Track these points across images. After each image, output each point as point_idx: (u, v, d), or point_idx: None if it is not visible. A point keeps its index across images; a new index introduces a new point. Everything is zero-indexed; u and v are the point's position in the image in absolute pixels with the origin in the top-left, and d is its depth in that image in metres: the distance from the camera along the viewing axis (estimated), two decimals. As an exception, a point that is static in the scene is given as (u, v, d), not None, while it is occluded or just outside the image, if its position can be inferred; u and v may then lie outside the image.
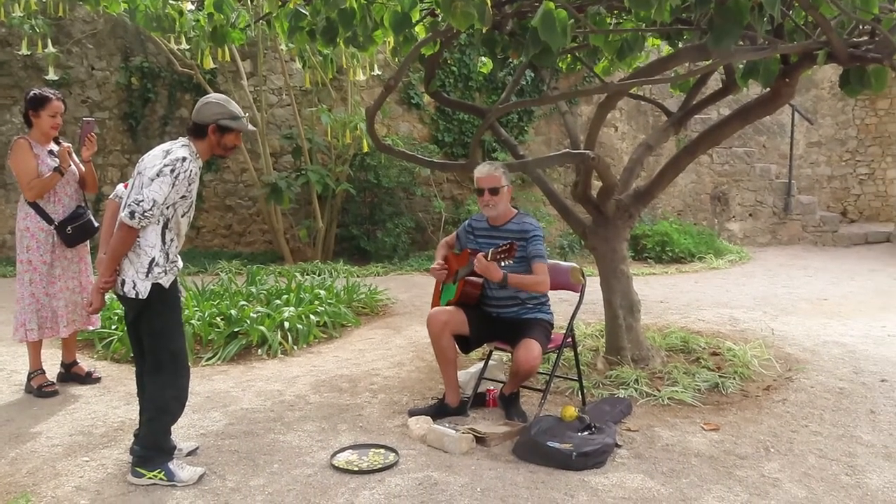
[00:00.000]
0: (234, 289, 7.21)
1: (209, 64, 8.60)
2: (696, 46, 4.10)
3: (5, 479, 3.67)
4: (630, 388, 4.88)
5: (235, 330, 5.99)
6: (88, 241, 5.07)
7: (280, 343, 5.96)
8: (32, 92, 4.88)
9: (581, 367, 5.17)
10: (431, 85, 5.70)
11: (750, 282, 9.07)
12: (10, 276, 8.72)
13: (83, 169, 5.05)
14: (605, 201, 5.26)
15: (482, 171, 4.43)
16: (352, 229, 10.74)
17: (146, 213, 3.31)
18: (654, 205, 11.63)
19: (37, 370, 4.97)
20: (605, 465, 3.81)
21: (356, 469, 3.72)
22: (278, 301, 6.64)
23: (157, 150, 3.47)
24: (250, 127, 3.59)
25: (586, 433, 4.02)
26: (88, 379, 5.17)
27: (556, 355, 4.58)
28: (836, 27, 3.96)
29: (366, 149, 9.52)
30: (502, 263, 4.09)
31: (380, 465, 3.75)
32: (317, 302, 6.77)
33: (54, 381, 5.06)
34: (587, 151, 4.82)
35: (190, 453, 3.87)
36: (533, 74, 10.62)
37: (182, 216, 3.50)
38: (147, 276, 3.40)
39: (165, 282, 3.44)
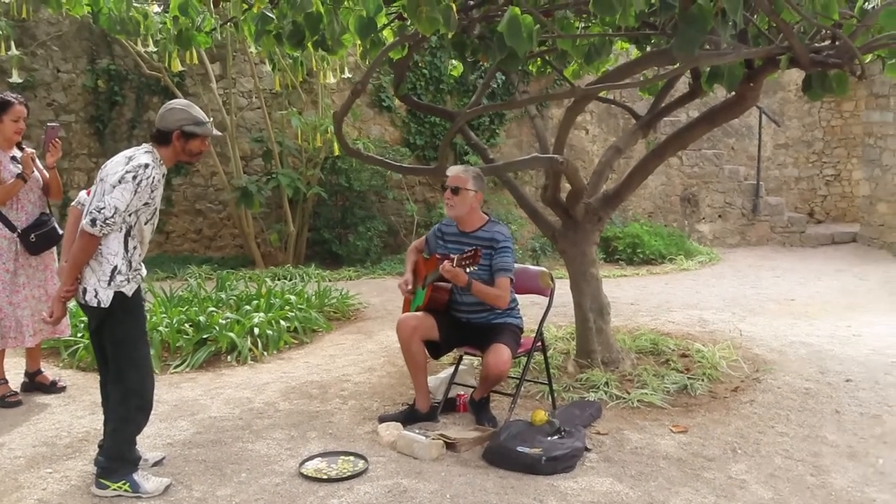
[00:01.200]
0: (204, 294, 7.14)
1: (177, 67, 8.49)
2: (660, 51, 4.13)
3: (-34, 492, 3.61)
4: (600, 391, 4.90)
5: (204, 336, 5.93)
6: (54, 249, 5.00)
7: (250, 349, 5.91)
8: (-6, 96, 4.80)
9: (552, 371, 5.19)
10: (401, 88, 5.68)
11: (719, 283, 9.14)
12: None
13: (47, 175, 4.98)
14: (574, 205, 5.27)
15: (454, 170, 4.46)
16: (323, 233, 10.67)
17: (108, 221, 3.27)
18: (624, 207, 11.68)
19: (-1, 380, 4.90)
20: (575, 469, 3.82)
21: (325, 477, 3.70)
22: (248, 307, 6.58)
23: (120, 157, 3.42)
24: (215, 132, 3.56)
25: (556, 437, 4.03)
26: (53, 388, 5.09)
27: (525, 359, 4.59)
28: (799, 33, 4.00)
29: (337, 152, 9.45)
30: (468, 269, 4.09)
31: (349, 473, 3.73)
32: (287, 307, 6.72)
33: (18, 390, 4.98)
34: (556, 156, 4.83)
35: (156, 463, 3.82)
36: (504, 77, 10.64)
37: (145, 223, 3.45)
38: (109, 284, 3.35)
39: (128, 290, 3.40)
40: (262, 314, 6.34)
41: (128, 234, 3.39)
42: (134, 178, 3.29)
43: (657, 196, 11.84)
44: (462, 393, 4.66)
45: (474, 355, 4.56)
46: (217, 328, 5.95)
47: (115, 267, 3.35)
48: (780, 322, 7.01)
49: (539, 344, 4.58)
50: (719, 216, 11.93)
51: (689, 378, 5.14)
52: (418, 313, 4.39)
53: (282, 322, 6.33)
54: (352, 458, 3.91)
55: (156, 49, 9.47)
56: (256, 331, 6.08)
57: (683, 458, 3.96)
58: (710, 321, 6.99)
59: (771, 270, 9.96)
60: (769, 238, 11.89)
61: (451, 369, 4.83)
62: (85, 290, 3.38)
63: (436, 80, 11.05)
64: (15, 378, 5.12)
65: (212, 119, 3.61)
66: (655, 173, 11.66)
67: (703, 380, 5.13)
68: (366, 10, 3.61)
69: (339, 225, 10.77)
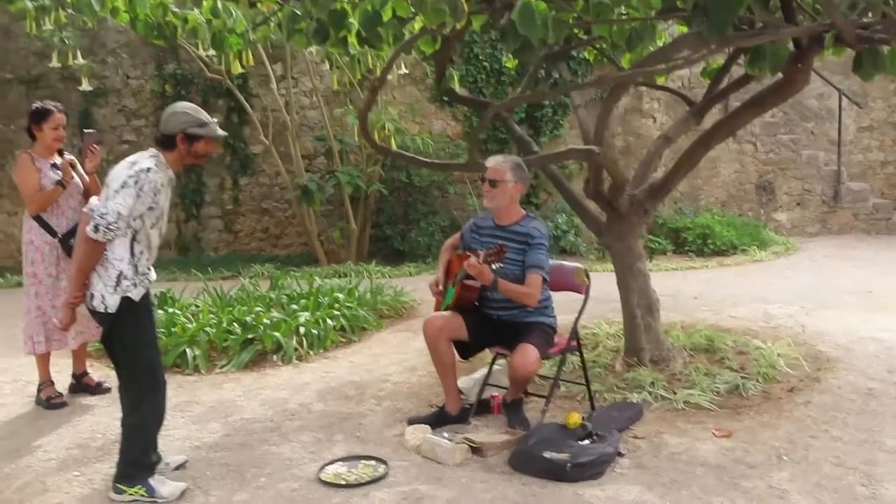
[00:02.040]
0: (258, 294, 7.18)
1: (237, 69, 8.59)
2: (693, 34, 3.89)
3: (-6, 495, 3.67)
4: (645, 392, 4.68)
5: (250, 336, 5.95)
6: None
7: (295, 349, 5.89)
8: (35, 105, 4.90)
9: (597, 370, 5.06)
10: (444, 82, 5.56)
11: (793, 274, 8.71)
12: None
13: (87, 180, 5.05)
14: (618, 197, 5.05)
15: (493, 161, 4.32)
16: (385, 230, 10.67)
17: (110, 227, 3.25)
18: (696, 196, 11.29)
19: (45, 382, 5.00)
20: (604, 475, 3.64)
21: (343, 483, 3.62)
22: (295, 306, 6.58)
23: (125, 161, 3.41)
24: (220, 132, 3.51)
25: (587, 442, 3.85)
26: (99, 389, 5.17)
27: (561, 359, 4.41)
28: (846, 8, 3.71)
29: (394, 146, 9.40)
30: (493, 266, 3.95)
31: (368, 479, 3.64)
32: (337, 305, 6.69)
33: (63, 392, 5.07)
34: (592, 147, 4.63)
35: (178, 467, 3.81)
36: (567, 67, 10.39)
37: (151, 228, 3.42)
38: (115, 289, 3.34)
39: (135, 295, 3.38)
40: (307, 313, 6.32)
41: (133, 239, 3.37)
42: (136, 182, 3.27)
43: (731, 184, 11.39)
44: (496, 394, 4.52)
45: (504, 355, 4.41)
46: (262, 328, 5.96)
47: (121, 272, 3.34)
48: (853, 316, 6.60)
49: (574, 343, 4.39)
50: (798, 204, 11.40)
51: (742, 377, 4.85)
52: (445, 312, 4.27)
53: (328, 321, 6.29)
54: (373, 462, 3.82)
55: (215, 52, 9.61)
56: (302, 330, 6.06)
57: (723, 465, 3.72)
58: (776, 316, 6.63)
59: (851, 260, 9.44)
60: (852, 226, 11.31)
61: (486, 370, 4.68)
62: (92, 296, 3.38)
63: (497, 73, 10.88)
64: (66, 380, 5.22)
65: (217, 120, 3.56)
66: (728, 161, 11.29)
67: (757, 379, 4.84)
68: (371, 4, 3.50)
69: (402, 221, 10.74)
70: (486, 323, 4.30)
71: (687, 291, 7.83)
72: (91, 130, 5.11)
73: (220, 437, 4.28)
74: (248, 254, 11.24)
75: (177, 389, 5.22)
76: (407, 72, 9.73)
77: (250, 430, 4.39)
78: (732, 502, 3.36)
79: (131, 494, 3.46)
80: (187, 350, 5.74)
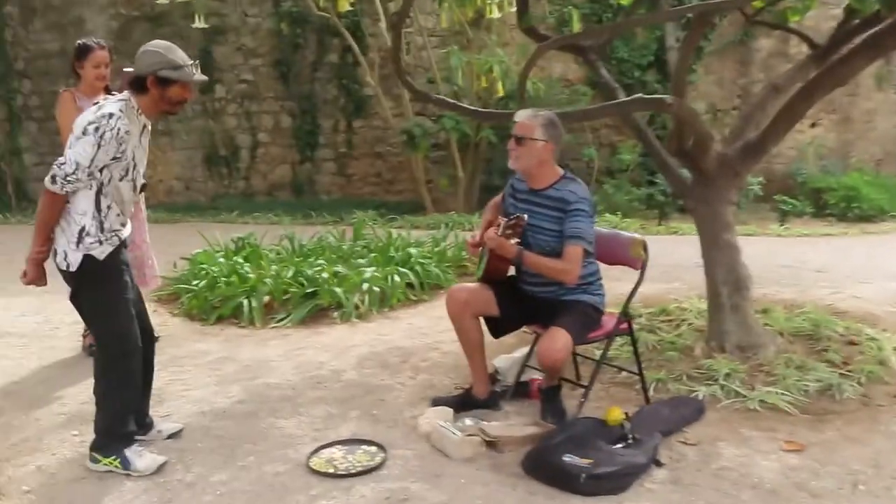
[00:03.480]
0: (337, 244, 6.90)
1: (344, 7, 8.25)
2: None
3: (-12, 448, 3.56)
4: (716, 385, 4.02)
5: (312, 290, 5.67)
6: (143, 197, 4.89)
7: (356, 306, 5.57)
8: (77, 42, 4.71)
9: (671, 353, 4.52)
10: (524, 19, 4.99)
11: (951, 247, 7.55)
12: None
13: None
14: (702, 156, 4.34)
15: (521, 115, 3.75)
16: (495, 179, 10.14)
17: (68, 178, 2.95)
18: (846, 152, 10.05)
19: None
20: (628, 490, 3.08)
21: (331, 471, 3.25)
22: (362, 260, 6.23)
23: (94, 106, 3.10)
24: (199, 77, 3.12)
25: (619, 446, 3.30)
26: (147, 339, 5.04)
27: (607, 344, 3.83)
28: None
29: (500, 93, 8.83)
30: (512, 241, 3.42)
31: (360, 468, 3.26)
32: (412, 260, 6.29)
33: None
34: (664, 97, 3.94)
35: (172, 436, 3.58)
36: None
37: (120, 181, 3.09)
38: (78, 246, 3.05)
39: (99, 253, 3.07)
40: (373, 268, 5.96)
41: (99, 192, 3.06)
42: (97, 129, 2.94)
43: (889, 140, 10.05)
44: (537, 377, 3.99)
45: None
46: (321, 282, 5.67)
47: (83, 228, 3.04)
48: None
49: (624, 326, 3.79)
50: (973, 165, 9.94)
51: (841, 375, 4.09)
52: (472, 285, 3.78)
53: (395, 277, 5.91)
54: (373, 449, 3.43)
55: (324, -14, 9.29)
56: (366, 286, 5.72)
57: (779, 490, 3.07)
58: (911, 299, 5.67)
59: None
60: None
61: (527, 349, 4.16)
62: (55, 252, 3.12)
63: (626, 12, 9.95)
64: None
65: (196, 62, 3.15)
66: (887, 112, 9.97)
67: (859, 380, 4.06)
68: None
69: (513, 171, 10.15)
70: (523, 298, 3.77)
71: (811, 262, 6.90)
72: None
73: (232, 404, 4.01)
74: (360, 198, 11.04)
75: (222, 344, 5.05)
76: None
77: (266, 397, 4.10)
78: (772, 543, 2.74)
79: (105, 465, 3.24)
80: (244, 302, 5.54)
